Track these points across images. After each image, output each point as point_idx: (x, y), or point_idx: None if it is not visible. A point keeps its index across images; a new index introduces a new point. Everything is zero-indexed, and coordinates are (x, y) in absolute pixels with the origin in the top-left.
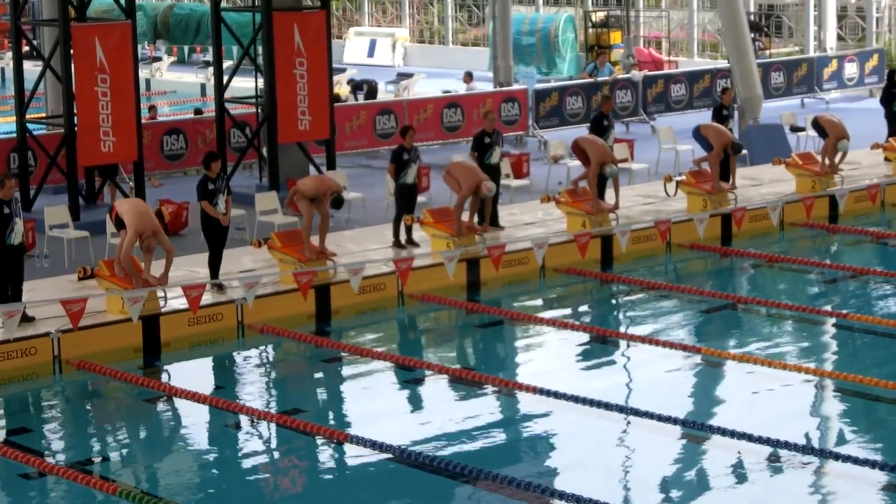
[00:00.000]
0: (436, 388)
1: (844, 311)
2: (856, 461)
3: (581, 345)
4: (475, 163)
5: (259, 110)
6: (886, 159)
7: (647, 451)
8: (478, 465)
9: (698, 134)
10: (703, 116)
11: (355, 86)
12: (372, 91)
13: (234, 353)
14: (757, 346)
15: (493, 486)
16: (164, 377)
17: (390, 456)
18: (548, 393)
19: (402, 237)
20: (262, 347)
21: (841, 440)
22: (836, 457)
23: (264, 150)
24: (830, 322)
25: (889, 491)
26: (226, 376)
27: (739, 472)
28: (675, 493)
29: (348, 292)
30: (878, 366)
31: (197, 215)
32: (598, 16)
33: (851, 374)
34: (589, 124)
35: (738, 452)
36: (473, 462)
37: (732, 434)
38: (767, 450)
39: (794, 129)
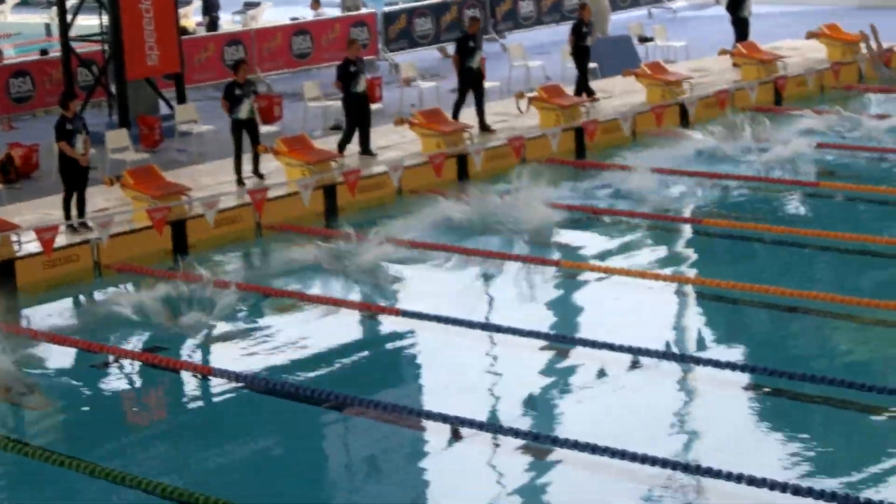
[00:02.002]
0: (299, 315)
1: (700, 217)
2: (717, 364)
3: (441, 264)
4: (341, 91)
5: (105, 47)
6: (735, 65)
7: (512, 366)
8: (345, 390)
9: None
10: (554, 32)
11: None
12: (213, 22)
13: (93, 294)
14: (615, 255)
15: (361, 410)
16: (24, 322)
17: (256, 386)
18: (411, 314)
19: (249, 170)
20: (121, 286)
21: (701, 344)
22: (698, 361)
23: (113, 88)
24: (687, 228)
25: (750, 391)
26: (86, 317)
27: (604, 382)
28: (541, 405)
29: (204, 226)
30: (734, 267)
31: (50, 157)
32: None
33: (709, 278)
34: (455, 46)
35: (602, 362)
36: (341, 388)
37: (594, 344)
38: (630, 358)
39: (643, 39)
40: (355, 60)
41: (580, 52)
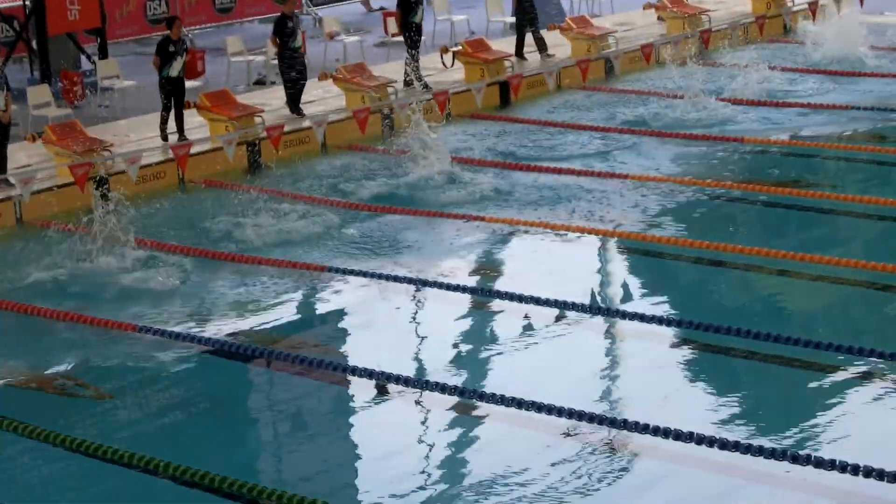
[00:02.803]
0: (223, 272)
1: (625, 172)
2: (643, 318)
3: (362, 221)
4: (277, 49)
5: (26, 3)
6: (660, 18)
7: (438, 321)
8: (272, 346)
9: None
10: None
11: None
12: None
13: (15, 251)
14: (540, 208)
15: (286, 366)
16: None
17: (181, 342)
18: (333, 270)
19: (171, 130)
20: (43, 243)
21: (627, 298)
22: (623, 315)
23: (34, 44)
24: (610, 181)
25: (676, 345)
26: (7, 274)
27: (529, 335)
28: (467, 360)
29: (128, 182)
30: (659, 221)
31: None
32: None
33: (635, 232)
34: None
35: (527, 316)
36: (267, 343)
37: (520, 298)
38: (555, 312)
39: None
40: (291, 16)
41: (523, 8)
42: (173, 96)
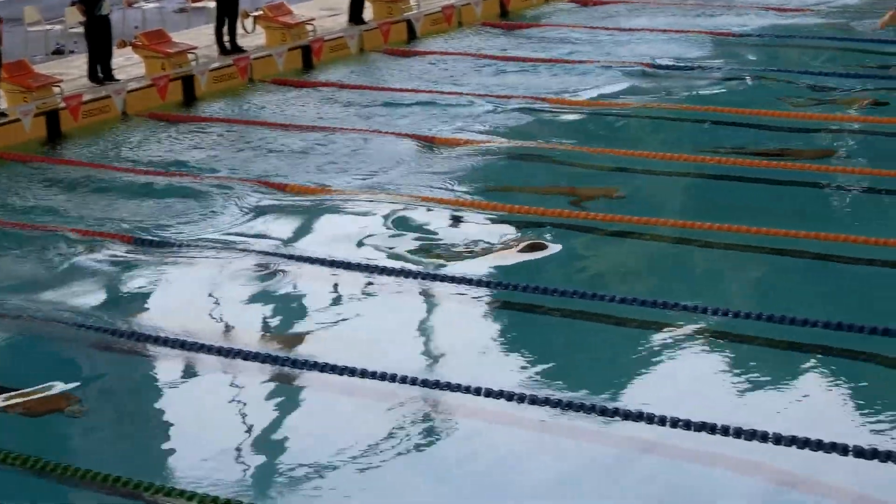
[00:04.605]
0: (22, 246)
1: (432, 135)
2: (453, 280)
3: (172, 190)
4: (83, 16)
5: None
6: None
7: (244, 287)
8: (77, 317)
9: None
10: None
11: None
12: None
13: None
14: (345, 173)
15: (91, 337)
16: None
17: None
18: (138, 241)
19: None
20: None
21: (439, 261)
22: (435, 277)
23: None
24: (416, 143)
25: (488, 307)
26: None
27: (343, 301)
28: (278, 327)
29: None
30: (469, 183)
31: None
32: None
33: (444, 196)
34: None
35: (339, 281)
36: (69, 314)
37: (331, 263)
38: (363, 277)
39: None
40: None
41: None
42: None
